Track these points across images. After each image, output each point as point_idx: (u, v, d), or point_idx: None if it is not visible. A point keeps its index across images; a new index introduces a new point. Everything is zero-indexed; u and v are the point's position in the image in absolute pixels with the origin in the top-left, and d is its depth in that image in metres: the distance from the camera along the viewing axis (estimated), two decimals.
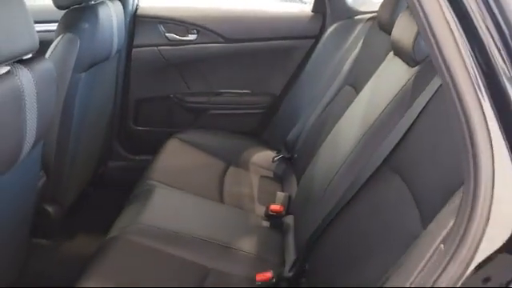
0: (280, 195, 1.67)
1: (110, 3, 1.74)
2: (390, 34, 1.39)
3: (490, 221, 0.54)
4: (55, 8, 1.56)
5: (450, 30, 0.55)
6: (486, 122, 0.55)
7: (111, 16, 1.71)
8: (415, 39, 1.19)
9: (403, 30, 1.28)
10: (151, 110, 2.25)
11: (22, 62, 0.95)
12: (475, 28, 0.55)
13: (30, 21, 0.95)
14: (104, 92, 1.92)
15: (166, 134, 2.05)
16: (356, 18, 2.04)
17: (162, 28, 2.15)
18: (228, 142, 2.08)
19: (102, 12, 1.63)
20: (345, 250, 1.13)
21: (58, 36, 1.52)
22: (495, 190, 0.53)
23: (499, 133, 0.55)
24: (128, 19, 2.04)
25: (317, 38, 2.15)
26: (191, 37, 2.17)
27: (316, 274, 1.22)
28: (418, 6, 0.56)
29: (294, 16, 2.24)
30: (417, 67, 1.20)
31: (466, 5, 0.55)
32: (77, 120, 1.62)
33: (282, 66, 2.20)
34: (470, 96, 0.55)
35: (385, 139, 1.14)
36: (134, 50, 2.14)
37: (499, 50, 0.54)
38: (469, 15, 0.55)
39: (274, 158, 1.97)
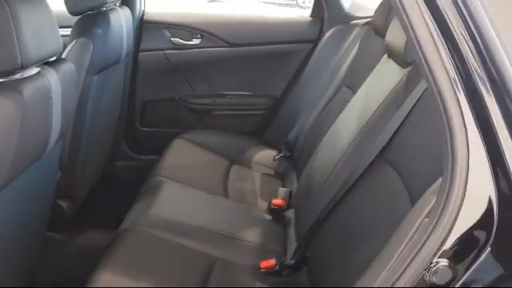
0: (281, 190, 1.75)
1: (119, 9, 1.83)
2: (384, 38, 1.48)
3: (465, 199, 0.63)
4: (68, 14, 1.66)
5: (432, 36, 0.64)
6: (462, 114, 0.64)
7: (121, 21, 1.81)
8: (406, 42, 1.28)
9: (396, 34, 1.37)
10: (157, 112, 2.33)
11: (48, 63, 1.05)
12: (453, 35, 0.64)
13: (55, 26, 1.05)
14: (113, 94, 2.01)
15: (172, 134, 2.13)
16: (352, 22, 2.13)
17: (167, 33, 2.24)
18: (231, 142, 2.16)
19: (113, 18, 1.73)
20: (342, 237, 1.21)
21: (72, 40, 1.61)
22: (470, 171, 0.63)
23: (473, 123, 0.64)
24: (135, 25, 2.13)
25: (315, 42, 2.24)
26: (195, 41, 2.26)
27: (316, 261, 1.31)
28: (404, 17, 0.66)
29: (293, 21, 2.33)
30: (408, 68, 1.29)
31: (445, 15, 0.63)
32: (89, 121, 1.70)
33: (282, 68, 2.29)
34: (448, 92, 0.64)
35: (379, 134, 1.22)
36: (140, 54, 2.22)
37: (472, 54, 0.63)
38: (447, 24, 0.63)
39: (275, 157, 2.05)
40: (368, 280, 0.73)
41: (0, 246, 1.14)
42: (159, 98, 2.32)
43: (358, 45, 1.91)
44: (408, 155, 1.08)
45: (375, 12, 1.72)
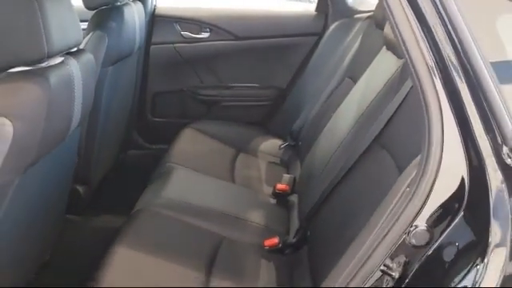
0: (286, 176, 1.84)
1: (132, 4, 1.92)
2: (383, 31, 1.56)
3: (440, 170, 0.72)
4: (84, 9, 1.75)
5: (413, 32, 0.73)
6: (438, 97, 0.72)
7: (134, 16, 1.90)
8: None
9: None
10: (167, 103, 2.42)
11: (70, 53, 1.15)
12: (431, 29, 0.72)
13: (76, 19, 1.14)
14: (126, 85, 2.10)
15: (181, 124, 2.22)
16: (355, 16, 2.21)
17: (177, 27, 2.33)
18: (238, 132, 2.25)
19: (127, 12, 1.82)
20: (340, 215, 1.30)
21: (88, 33, 1.70)
22: (444, 145, 0.71)
23: (447, 105, 0.72)
24: (147, 19, 2.22)
25: (320, 35, 2.32)
26: (204, 35, 2.34)
27: (316, 239, 1.40)
28: (390, 17, 0.74)
29: (298, 15, 2.41)
30: (403, 59, 1.37)
31: (425, 13, 0.72)
32: (104, 111, 1.79)
33: (287, 61, 2.37)
34: (426, 78, 0.73)
35: (375, 121, 1.31)
36: (152, 47, 2.32)
37: (448, 44, 0.72)
38: (426, 20, 0.72)
39: (280, 146, 2.14)
40: (356, 246, 0.82)
41: (25, 225, 1.25)
42: (169, 89, 2.41)
43: (360, 38, 1.99)
44: (400, 139, 1.16)
45: (376, 6, 1.80)
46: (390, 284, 0.77)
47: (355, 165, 1.31)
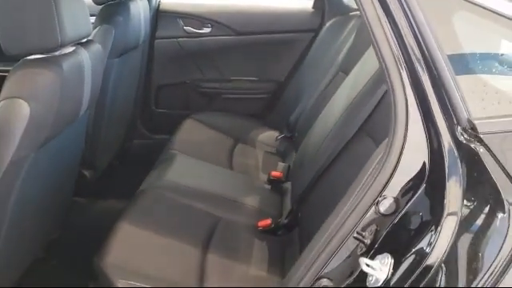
0: (280, 165, 1.94)
1: (138, 0, 2.03)
2: None
3: (405, 147, 0.82)
4: (92, 4, 1.85)
5: (382, 26, 0.84)
6: (404, 84, 0.83)
7: (139, 11, 2.01)
8: None
9: None
10: (170, 95, 2.53)
11: (81, 44, 1.26)
12: (398, 26, 0.83)
13: (86, 12, 1.25)
14: (131, 77, 2.20)
15: (183, 116, 2.31)
16: (351, 14, 2.29)
17: (180, 22, 2.44)
18: (237, 123, 2.35)
19: (133, 7, 1.93)
20: (328, 198, 1.40)
21: (96, 27, 1.80)
22: (408, 125, 0.82)
23: (411, 91, 0.83)
24: (151, 14, 2.32)
25: (316, 31, 2.42)
26: (206, 30, 2.45)
27: (307, 220, 1.50)
28: (364, 15, 0.85)
29: (296, 12, 2.51)
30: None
31: (393, 13, 0.83)
32: (110, 100, 1.90)
33: (285, 56, 2.47)
34: (393, 69, 0.84)
35: (361, 111, 1.41)
36: (156, 41, 2.42)
37: (412, 39, 0.83)
38: (394, 18, 0.83)
39: (277, 137, 2.24)
40: (333, 216, 0.93)
41: (37, 200, 1.36)
42: (172, 82, 2.51)
43: (354, 34, 2.08)
44: (382, 126, 1.26)
45: None
46: (364, 250, 0.88)
47: (342, 151, 1.41)
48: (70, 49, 1.21)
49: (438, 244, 0.75)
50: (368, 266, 0.81)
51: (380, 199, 0.85)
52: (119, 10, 1.85)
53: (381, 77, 1.45)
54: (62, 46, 1.14)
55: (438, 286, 0.71)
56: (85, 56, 1.24)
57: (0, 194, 1.12)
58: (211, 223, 1.53)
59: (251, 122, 2.40)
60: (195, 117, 2.30)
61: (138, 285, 1.20)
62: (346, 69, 1.95)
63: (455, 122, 0.79)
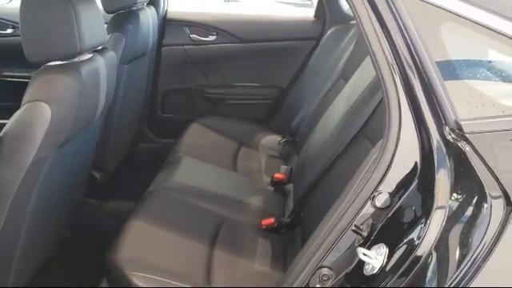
0: (283, 167, 2.01)
1: (147, 8, 2.12)
2: None
3: (398, 147, 0.90)
4: (104, 12, 1.93)
5: (378, 37, 0.92)
6: (397, 89, 0.91)
7: (148, 19, 2.09)
8: None
9: None
10: (176, 100, 2.61)
11: (97, 51, 1.34)
12: (391, 35, 0.91)
13: (102, 21, 1.33)
14: (139, 83, 2.28)
15: (189, 121, 2.38)
16: (351, 22, 2.37)
17: (187, 30, 2.52)
18: (241, 127, 2.42)
19: (142, 16, 2.01)
20: (328, 198, 1.47)
21: (107, 34, 1.89)
22: (401, 126, 0.89)
23: (404, 95, 0.91)
24: (159, 22, 2.41)
25: (318, 39, 2.50)
26: (211, 38, 2.53)
27: (308, 219, 1.57)
28: (361, 27, 0.93)
29: (298, 21, 2.60)
30: None
31: (386, 22, 0.91)
32: (120, 105, 1.97)
33: (287, 63, 2.55)
34: (388, 76, 0.92)
35: (360, 115, 1.49)
36: (163, 48, 2.51)
37: (404, 48, 0.91)
38: (387, 27, 0.91)
39: (279, 141, 2.31)
40: (332, 213, 1.00)
41: (53, 199, 1.43)
42: (178, 87, 2.60)
43: (354, 42, 2.16)
44: (380, 130, 1.34)
45: None
46: (361, 241, 0.95)
47: (342, 154, 1.48)
48: (88, 56, 1.29)
49: (429, 233, 0.82)
50: (365, 255, 0.88)
51: (376, 194, 0.92)
52: (129, 18, 1.93)
53: (378, 83, 1.54)
54: (81, 53, 1.21)
55: (429, 270, 0.79)
56: (101, 63, 1.32)
57: (21, 195, 1.18)
58: (217, 222, 1.60)
59: (254, 126, 2.47)
60: (200, 121, 2.37)
61: (151, 277, 1.27)
62: (346, 76, 2.02)
63: (443, 122, 0.87)
